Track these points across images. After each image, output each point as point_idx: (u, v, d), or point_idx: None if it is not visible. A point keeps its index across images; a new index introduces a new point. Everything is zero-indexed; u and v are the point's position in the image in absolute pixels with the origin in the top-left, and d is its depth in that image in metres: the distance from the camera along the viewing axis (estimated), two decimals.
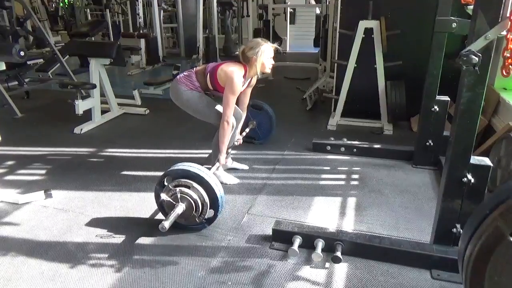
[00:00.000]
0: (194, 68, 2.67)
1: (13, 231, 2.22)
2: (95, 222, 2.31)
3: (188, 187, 2.05)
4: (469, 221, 0.99)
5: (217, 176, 2.75)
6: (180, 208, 2.02)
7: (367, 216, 2.35)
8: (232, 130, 2.61)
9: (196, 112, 2.68)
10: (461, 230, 1.82)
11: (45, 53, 6.52)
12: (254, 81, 2.75)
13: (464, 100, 1.67)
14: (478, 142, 2.95)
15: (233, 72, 2.45)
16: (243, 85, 2.57)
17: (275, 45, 2.56)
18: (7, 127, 3.89)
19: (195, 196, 2.04)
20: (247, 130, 3.17)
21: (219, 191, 2.09)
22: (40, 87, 5.47)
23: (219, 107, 2.61)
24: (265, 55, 2.49)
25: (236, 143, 2.91)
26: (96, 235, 2.17)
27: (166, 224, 1.94)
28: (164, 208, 2.12)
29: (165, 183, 2.11)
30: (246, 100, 2.85)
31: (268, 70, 2.59)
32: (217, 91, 2.61)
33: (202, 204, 2.07)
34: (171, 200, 2.05)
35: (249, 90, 2.81)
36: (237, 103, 2.68)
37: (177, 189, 2.03)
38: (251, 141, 3.38)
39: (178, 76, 2.68)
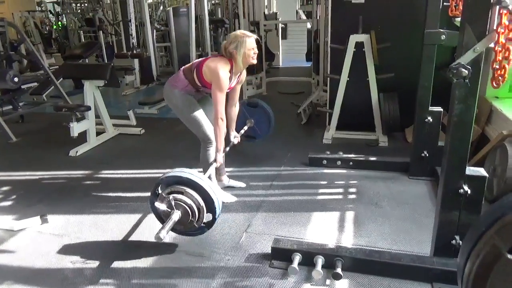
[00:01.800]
0: (182, 67, 2.64)
1: (9, 258, 2.19)
2: (92, 247, 2.28)
3: (182, 193, 1.99)
4: (466, 238, 0.99)
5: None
6: (176, 215, 1.96)
7: (366, 230, 2.34)
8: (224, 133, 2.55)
9: (183, 119, 2.63)
10: (461, 242, 1.82)
11: (39, 76, 6.54)
12: (243, 76, 2.68)
13: (456, 112, 1.68)
14: (473, 151, 2.96)
15: (217, 67, 2.41)
16: (231, 81, 2.52)
17: (255, 35, 2.50)
18: (2, 152, 3.88)
19: (189, 202, 1.98)
20: (245, 128, 3.10)
21: (213, 193, 2.03)
22: (34, 111, 5.46)
23: (208, 124, 2.58)
24: (246, 46, 2.43)
25: (235, 141, 2.85)
26: (93, 260, 2.14)
27: (163, 233, 1.86)
28: (162, 217, 2.08)
29: (159, 192, 2.06)
30: (236, 96, 2.78)
31: (253, 61, 2.51)
32: (205, 87, 2.55)
33: (198, 209, 2.00)
34: (167, 209, 2.00)
35: (239, 87, 2.74)
36: (227, 100, 2.62)
37: (171, 196, 1.97)
38: (252, 140, 3.30)
39: (169, 78, 2.66)
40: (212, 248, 2.22)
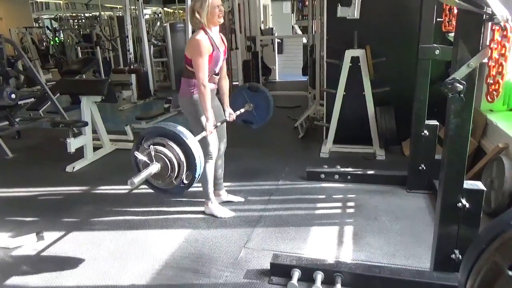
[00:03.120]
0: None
1: (4, 277, 2.16)
2: (88, 264, 2.25)
3: (164, 146, 1.91)
4: (466, 255, 0.99)
5: (211, 209, 2.74)
6: (155, 167, 1.87)
7: (365, 244, 2.33)
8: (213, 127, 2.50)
9: (193, 125, 2.56)
10: (460, 256, 1.82)
11: (36, 91, 6.55)
12: (224, 40, 2.61)
13: (452, 126, 1.70)
14: (469, 164, 2.97)
15: (191, 37, 2.41)
16: (213, 45, 2.43)
17: None
18: None
19: (170, 155, 1.89)
20: (242, 110, 2.98)
21: (196, 150, 1.93)
22: (31, 126, 5.45)
23: (211, 137, 2.54)
24: (210, 4, 2.37)
25: (229, 118, 2.77)
26: (89, 279, 2.11)
27: (136, 180, 1.78)
28: (141, 169, 1.96)
29: (142, 144, 1.97)
30: (224, 70, 2.69)
31: (219, 20, 2.44)
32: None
33: (179, 164, 1.90)
34: (146, 160, 1.90)
35: (223, 58, 2.60)
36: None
37: (152, 147, 1.88)
38: (249, 126, 3.15)
39: (179, 92, 2.62)
40: (211, 264, 2.19)
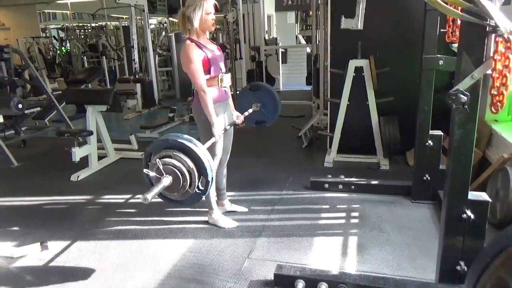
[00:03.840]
0: None
1: (8, 287, 2.16)
2: (92, 274, 2.25)
3: (170, 157, 1.90)
4: (471, 269, 0.98)
5: (214, 219, 2.74)
6: (166, 180, 1.86)
7: (369, 255, 2.32)
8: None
9: (202, 135, 2.55)
10: (466, 268, 1.80)
11: (42, 100, 6.62)
12: (217, 47, 2.57)
13: (456, 137, 1.69)
14: (474, 174, 2.96)
15: (182, 48, 2.38)
16: (203, 49, 2.40)
17: (213, 0, 2.42)
18: (3, 177, 3.88)
19: (178, 164, 1.88)
20: (250, 110, 2.95)
21: (203, 154, 1.92)
22: (37, 135, 5.51)
23: (218, 150, 2.56)
24: (204, 10, 2.35)
25: (237, 121, 2.75)
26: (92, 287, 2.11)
27: (148, 195, 1.76)
28: (153, 185, 1.94)
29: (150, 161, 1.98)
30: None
31: (211, 27, 2.43)
32: (208, 74, 2.46)
33: (189, 172, 1.89)
34: (156, 175, 1.90)
35: (223, 59, 2.59)
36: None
37: (158, 161, 1.88)
38: (263, 125, 3.13)
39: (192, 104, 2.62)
40: (214, 274, 2.19)
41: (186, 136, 1.97)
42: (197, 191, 1.95)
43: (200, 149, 1.94)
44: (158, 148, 1.96)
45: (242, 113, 2.82)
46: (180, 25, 2.47)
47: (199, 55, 2.38)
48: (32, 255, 2.47)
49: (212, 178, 1.96)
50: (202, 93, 2.38)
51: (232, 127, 2.73)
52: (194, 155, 1.91)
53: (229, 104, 2.70)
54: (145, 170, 1.93)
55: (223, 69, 2.56)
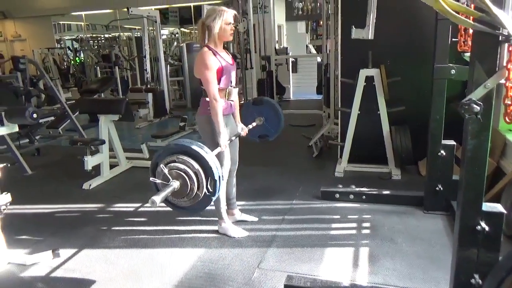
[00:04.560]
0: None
1: None
2: (103, 283, 2.26)
3: (174, 161, 1.90)
4: (486, 283, 0.96)
5: (224, 229, 2.73)
6: (175, 183, 1.86)
7: (381, 266, 2.28)
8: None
9: (209, 144, 2.57)
10: (480, 281, 1.76)
11: (56, 110, 6.74)
12: (231, 58, 2.59)
13: (470, 147, 1.67)
14: (488, 185, 2.91)
15: (197, 56, 2.41)
16: (219, 58, 2.43)
17: (233, 11, 2.46)
18: (17, 185, 3.93)
19: (182, 167, 1.87)
20: (254, 124, 2.95)
21: (205, 153, 1.91)
22: (50, 144, 5.59)
23: (226, 157, 2.56)
24: (224, 20, 2.39)
25: (242, 132, 2.76)
26: None
27: (157, 198, 1.75)
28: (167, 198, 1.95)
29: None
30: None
31: (229, 37, 2.46)
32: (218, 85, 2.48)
33: (195, 173, 1.88)
34: (163, 182, 1.90)
35: (235, 71, 2.62)
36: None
37: (162, 166, 1.89)
38: (266, 140, 3.13)
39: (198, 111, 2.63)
40: (224, 284, 2.18)
41: (187, 139, 1.99)
42: (207, 193, 1.93)
43: (203, 149, 1.93)
44: (162, 156, 1.96)
45: (246, 126, 2.84)
46: (199, 34, 2.51)
47: (215, 63, 2.40)
48: (44, 262, 2.49)
49: (220, 176, 1.94)
50: (213, 101, 2.39)
51: (238, 138, 2.75)
52: (198, 155, 1.90)
53: (235, 117, 2.73)
54: (151, 178, 1.93)
55: (233, 82, 2.59)
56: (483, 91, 1.59)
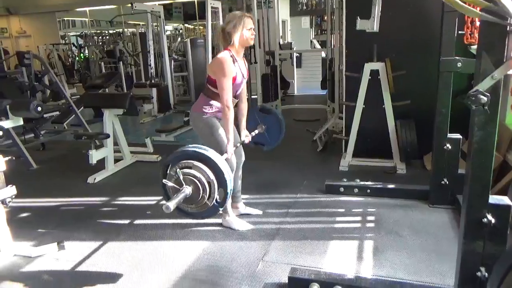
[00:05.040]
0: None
1: (26, 285, 2.20)
2: (107, 275, 2.27)
3: (190, 167, 1.90)
4: (495, 270, 0.95)
5: (229, 222, 2.74)
6: (187, 189, 1.87)
7: (386, 260, 2.27)
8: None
9: (207, 142, 2.55)
10: (486, 274, 1.75)
11: (61, 105, 6.77)
12: (246, 69, 2.63)
13: (476, 139, 1.65)
14: (495, 179, 2.89)
15: (216, 57, 2.41)
16: (236, 66, 2.46)
17: (252, 16, 2.50)
18: (22, 179, 3.95)
19: (198, 175, 1.88)
20: (256, 131, 2.98)
21: (224, 166, 1.93)
22: (55, 138, 5.61)
23: (232, 165, 2.55)
24: (244, 25, 2.41)
25: (246, 139, 2.77)
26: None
27: (171, 204, 1.77)
28: (170, 197, 1.95)
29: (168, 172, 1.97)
30: (244, 93, 2.71)
31: (250, 42, 2.49)
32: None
33: (209, 183, 1.89)
34: (176, 186, 1.90)
35: (245, 83, 2.65)
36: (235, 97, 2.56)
37: (179, 171, 1.89)
38: (260, 147, 3.14)
39: (193, 105, 2.64)
40: (228, 276, 2.18)
41: (204, 147, 1.98)
42: (215, 203, 1.96)
43: (220, 160, 1.94)
44: (177, 159, 1.95)
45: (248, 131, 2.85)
46: (219, 40, 2.53)
47: (233, 72, 2.42)
48: (49, 255, 2.51)
49: (231, 190, 1.97)
50: (226, 109, 2.41)
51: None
52: (215, 166, 1.91)
53: (241, 123, 2.74)
54: (164, 180, 1.93)
55: (238, 93, 2.61)
56: (491, 82, 1.57)
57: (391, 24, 3.64)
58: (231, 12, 2.53)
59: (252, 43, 2.53)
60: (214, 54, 7.16)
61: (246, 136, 2.77)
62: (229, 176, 1.94)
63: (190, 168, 1.91)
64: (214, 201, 1.94)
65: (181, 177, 1.88)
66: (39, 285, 2.19)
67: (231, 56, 2.42)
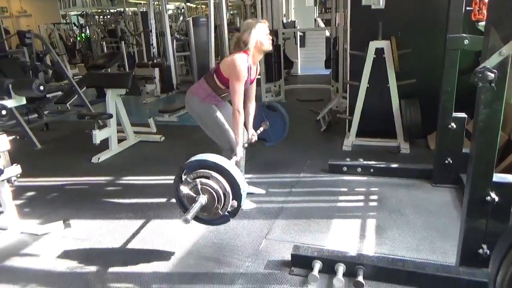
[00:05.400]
0: (204, 76, 2.66)
1: (33, 262, 2.24)
2: (113, 252, 2.31)
3: (208, 178, 1.95)
4: (498, 245, 0.95)
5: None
6: (203, 199, 1.92)
7: (388, 238, 2.29)
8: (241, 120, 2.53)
9: (205, 127, 2.65)
10: (488, 251, 1.76)
11: (64, 85, 6.75)
12: (259, 70, 2.70)
13: (482, 117, 1.64)
14: (499, 158, 2.87)
15: (234, 58, 2.41)
16: (249, 72, 2.49)
17: (266, 21, 2.53)
18: (27, 158, 3.97)
19: (216, 186, 1.93)
20: (261, 129, 3.02)
21: (240, 179, 1.98)
22: (59, 119, 5.63)
23: (231, 133, 2.60)
24: (260, 32, 2.45)
25: (252, 139, 2.78)
26: (114, 265, 2.16)
27: (189, 216, 1.84)
28: (184, 203, 2.02)
29: (184, 177, 2.01)
30: (253, 92, 2.75)
31: (268, 46, 2.51)
32: (227, 88, 2.53)
33: (224, 194, 1.94)
34: (191, 193, 1.95)
35: (254, 84, 2.71)
36: (244, 97, 2.56)
37: (197, 180, 1.93)
38: (262, 142, 3.18)
39: (191, 87, 2.67)
40: (232, 254, 2.21)
41: (224, 159, 2.03)
42: (226, 213, 2.01)
43: (238, 174, 1.99)
44: (196, 167, 1.99)
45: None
46: (233, 47, 2.54)
47: (246, 77, 2.46)
48: (56, 232, 2.54)
49: (243, 202, 2.02)
50: (237, 113, 2.45)
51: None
52: (233, 180, 1.96)
53: (248, 122, 2.75)
54: (181, 187, 1.97)
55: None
56: (498, 58, 1.55)
57: (397, 1, 3.56)
58: (245, 20, 2.58)
59: (270, 48, 2.56)
60: (216, 33, 7.09)
61: (253, 135, 2.81)
62: (244, 190, 2.00)
63: (207, 178, 1.95)
64: (226, 211, 2.00)
65: (199, 187, 1.93)
66: (46, 261, 2.23)
67: (247, 61, 2.45)
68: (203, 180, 1.94)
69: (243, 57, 2.43)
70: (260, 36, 2.45)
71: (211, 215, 2.01)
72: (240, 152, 2.51)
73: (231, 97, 2.47)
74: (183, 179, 1.99)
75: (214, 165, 1.96)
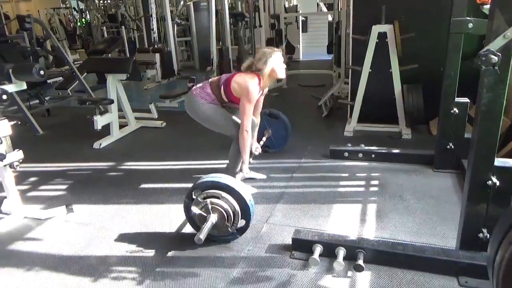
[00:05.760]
0: (209, 80, 2.71)
1: (37, 246, 2.26)
2: (116, 236, 2.33)
3: (218, 198, 2.04)
4: (497, 226, 0.96)
5: None
6: (214, 218, 2.02)
7: (389, 222, 2.30)
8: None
9: (213, 126, 2.72)
10: (488, 235, 1.77)
11: (64, 71, 6.72)
12: (266, 89, 2.78)
13: (485, 101, 1.63)
14: (501, 143, 2.86)
15: (247, 82, 2.48)
16: (258, 94, 2.60)
17: (280, 49, 2.62)
18: (29, 144, 3.99)
19: (226, 206, 2.02)
20: (264, 139, 3.14)
21: (249, 200, 2.08)
22: (60, 105, 5.62)
23: (235, 118, 2.62)
24: (276, 62, 2.54)
25: (256, 152, 2.90)
26: (116, 249, 2.19)
27: (202, 235, 1.94)
28: (195, 221, 2.11)
29: (194, 196, 2.09)
30: (260, 107, 2.88)
31: (282, 75, 2.62)
32: (232, 103, 2.64)
33: (234, 214, 2.04)
34: (202, 213, 2.04)
35: (262, 98, 2.84)
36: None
37: (208, 200, 2.02)
38: (265, 149, 3.32)
39: (193, 88, 2.71)
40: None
41: (235, 180, 2.13)
42: (235, 231, 2.10)
43: (248, 195, 2.09)
44: (207, 187, 2.07)
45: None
46: (244, 68, 2.61)
47: (256, 99, 2.57)
48: (59, 217, 2.57)
49: (251, 221, 2.13)
50: (245, 133, 2.53)
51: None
52: (244, 202, 2.05)
53: (253, 136, 2.83)
54: (192, 208, 2.04)
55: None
56: (502, 41, 1.52)
57: None
58: (260, 49, 2.66)
59: (284, 76, 2.66)
60: (217, 18, 7.01)
61: (257, 149, 2.91)
62: (252, 210, 2.09)
63: (218, 198, 2.04)
64: (235, 229, 2.09)
65: (210, 207, 2.02)
66: (50, 245, 2.26)
67: (258, 85, 2.55)
68: (214, 200, 2.03)
69: (255, 82, 2.52)
70: (275, 65, 2.54)
71: (220, 231, 2.10)
72: (247, 170, 2.63)
73: (240, 116, 2.55)
74: (193, 198, 2.08)
75: (226, 187, 2.05)
